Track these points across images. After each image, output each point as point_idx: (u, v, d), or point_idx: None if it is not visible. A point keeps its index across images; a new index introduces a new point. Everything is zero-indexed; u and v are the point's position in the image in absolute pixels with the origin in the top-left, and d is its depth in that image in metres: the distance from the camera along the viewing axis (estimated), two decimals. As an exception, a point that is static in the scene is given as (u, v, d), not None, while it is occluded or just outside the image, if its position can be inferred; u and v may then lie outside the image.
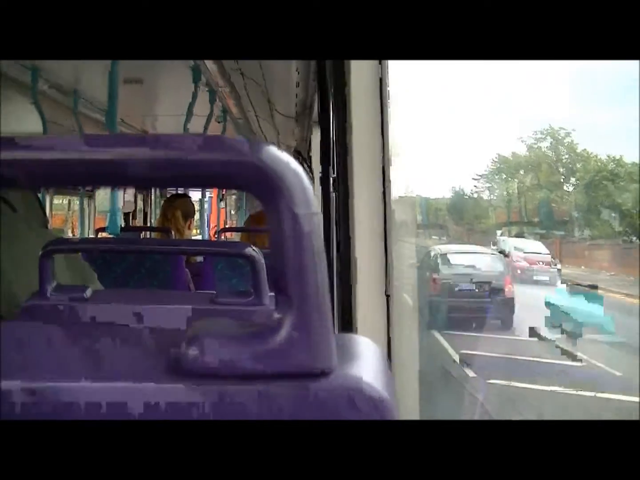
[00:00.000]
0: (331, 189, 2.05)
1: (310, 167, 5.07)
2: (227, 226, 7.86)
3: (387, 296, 1.75)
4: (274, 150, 0.53)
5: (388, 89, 1.73)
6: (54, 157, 0.52)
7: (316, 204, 0.55)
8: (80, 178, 0.54)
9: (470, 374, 9.02)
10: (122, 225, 3.25)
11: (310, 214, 0.54)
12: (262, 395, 0.53)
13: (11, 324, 0.67)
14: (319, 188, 2.34)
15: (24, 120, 1.70)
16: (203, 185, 0.57)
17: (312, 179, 5.27)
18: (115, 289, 1.56)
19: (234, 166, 0.53)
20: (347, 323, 1.79)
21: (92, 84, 3.60)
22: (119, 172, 0.53)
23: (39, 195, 2.05)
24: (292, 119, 4.69)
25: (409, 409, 1.81)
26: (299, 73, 3.37)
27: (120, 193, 2.96)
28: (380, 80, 1.72)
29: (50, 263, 1.40)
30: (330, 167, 2.04)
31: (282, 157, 0.53)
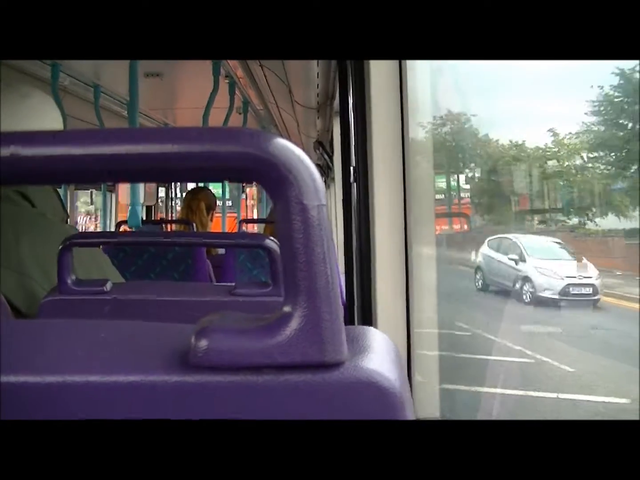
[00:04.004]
0: (351, 180, 2.03)
1: (331, 157, 5.05)
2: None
3: (407, 288, 1.74)
4: (281, 140, 0.52)
5: (407, 79, 1.71)
6: (73, 153, 0.51)
7: (324, 195, 0.54)
8: (96, 173, 0.53)
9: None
10: (144, 218, 3.27)
11: (319, 206, 0.53)
12: (272, 387, 0.53)
13: (27, 322, 0.67)
14: (340, 179, 2.32)
15: (43, 116, 1.70)
16: (209, 178, 0.55)
17: (332, 169, 5.26)
18: (135, 282, 1.57)
19: (240, 157, 0.52)
20: (367, 315, 1.78)
21: (112, 78, 3.62)
22: (126, 166, 0.52)
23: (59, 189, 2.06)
24: (313, 109, 4.68)
25: (428, 402, 1.80)
26: (318, 64, 3.36)
27: (141, 187, 2.97)
28: (400, 70, 1.71)
29: (69, 258, 1.40)
30: (351, 157, 2.03)
31: (290, 147, 0.52)
